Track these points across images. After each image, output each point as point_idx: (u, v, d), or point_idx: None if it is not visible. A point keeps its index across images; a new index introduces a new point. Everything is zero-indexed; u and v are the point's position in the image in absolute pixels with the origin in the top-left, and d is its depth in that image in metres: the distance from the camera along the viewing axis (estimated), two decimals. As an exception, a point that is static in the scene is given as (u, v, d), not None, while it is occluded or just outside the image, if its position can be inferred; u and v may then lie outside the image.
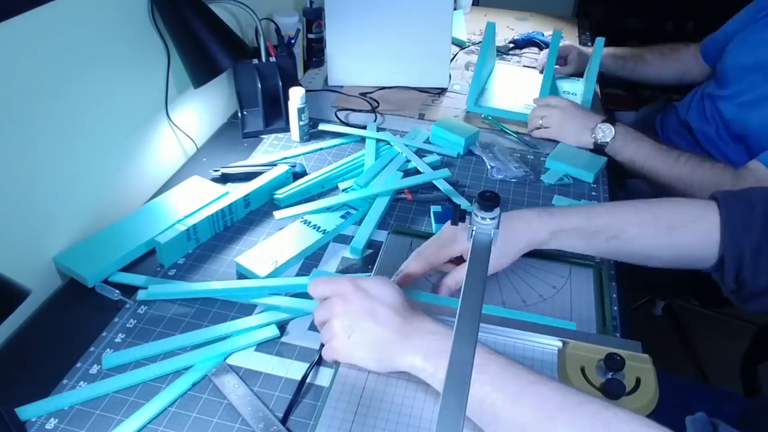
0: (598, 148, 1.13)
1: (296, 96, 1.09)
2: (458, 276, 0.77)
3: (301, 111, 1.10)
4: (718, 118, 1.25)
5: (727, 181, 1.02)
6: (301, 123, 1.12)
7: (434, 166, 1.08)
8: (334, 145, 1.14)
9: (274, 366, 0.72)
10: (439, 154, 1.12)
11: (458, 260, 0.79)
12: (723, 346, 1.75)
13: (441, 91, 1.35)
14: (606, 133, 1.11)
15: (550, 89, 1.29)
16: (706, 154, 1.17)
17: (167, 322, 0.77)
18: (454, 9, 1.59)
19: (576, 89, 1.38)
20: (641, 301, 1.81)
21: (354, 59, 1.31)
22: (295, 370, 0.71)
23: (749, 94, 1.18)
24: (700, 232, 0.71)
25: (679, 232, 0.72)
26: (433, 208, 0.96)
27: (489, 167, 1.09)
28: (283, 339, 0.75)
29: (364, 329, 0.64)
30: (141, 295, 0.78)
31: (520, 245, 0.76)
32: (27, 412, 0.65)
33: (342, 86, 1.34)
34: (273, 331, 0.73)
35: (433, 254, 0.77)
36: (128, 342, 0.74)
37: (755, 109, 1.16)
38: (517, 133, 1.21)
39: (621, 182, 1.40)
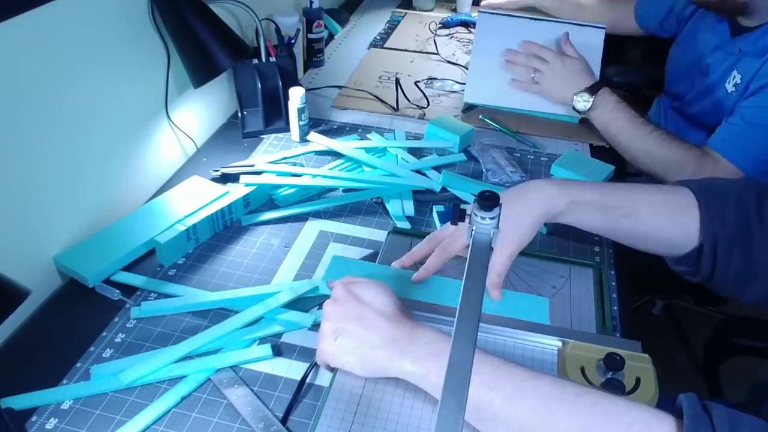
0: (578, 113, 1.17)
1: (296, 96, 1.09)
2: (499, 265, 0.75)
3: (301, 111, 1.10)
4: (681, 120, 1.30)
5: (690, 162, 1.06)
6: (301, 123, 1.12)
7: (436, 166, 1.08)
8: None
9: (274, 366, 0.72)
10: (438, 154, 1.12)
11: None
12: (723, 345, 1.75)
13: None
14: (584, 103, 1.14)
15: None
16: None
17: (167, 321, 0.77)
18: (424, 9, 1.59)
19: None
20: (641, 301, 1.80)
21: (492, 81, 1.24)
22: (295, 370, 0.71)
23: (694, 91, 1.24)
24: (695, 217, 0.72)
25: (682, 215, 0.72)
26: (436, 208, 0.96)
27: (484, 170, 1.09)
28: (284, 339, 0.75)
29: (351, 333, 0.63)
30: (134, 312, 0.76)
31: (537, 215, 0.74)
32: (18, 402, 0.65)
33: (476, 105, 1.28)
34: (266, 351, 0.73)
35: (448, 242, 0.78)
36: (128, 342, 0.74)
37: (698, 102, 1.22)
38: (517, 132, 1.21)
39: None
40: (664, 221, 0.74)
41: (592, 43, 1.21)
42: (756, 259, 0.69)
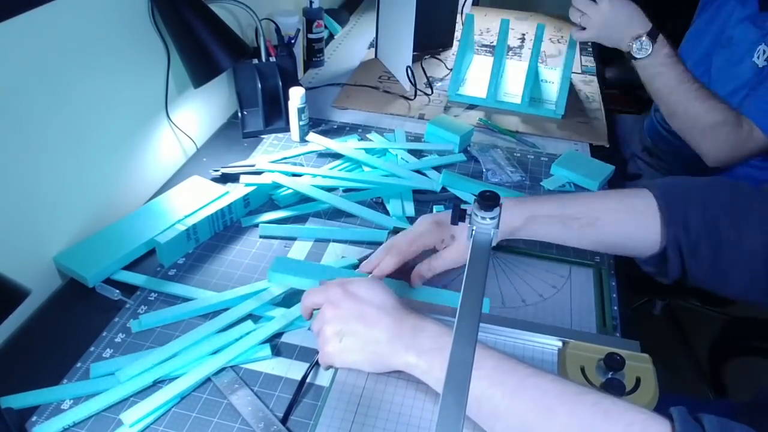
0: (628, 57, 1.11)
1: (296, 96, 1.09)
2: (433, 264, 0.78)
3: (301, 111, 1.10)
4: None
5: (726, 129, 1.06)
6: (301, 123, 1.12)
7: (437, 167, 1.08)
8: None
9: (274, 366, 0.72)
10: (439, 154, 1.12)
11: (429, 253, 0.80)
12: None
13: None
14: (644, 50, 1.08)
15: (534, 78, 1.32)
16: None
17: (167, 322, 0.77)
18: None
19: (554, 78, 1.39)
20: (641, 301, 1.80)
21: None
22: (295, 370, 0.71)
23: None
24: (657, 221, 0.72)
25: (643, 220, 0.73)
26: (436, 208, 0.96)
27: (484, 170, 1.09)
28: (283, 339, 0.75)
29: (355, 332, 0.64)
30: (134, 326, 0.75)
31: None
32: (17, 401, 0.65)
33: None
34: (266, 352, 0.72)
35: (406, 247, 0.78)
36: (128, 342, 0.74)
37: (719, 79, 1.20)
38: (516, 132, 1.21)
39: (621, 185, 1.40)
40: (626, 227, 0.74)
41: None
42: (727, 258, 0.69)
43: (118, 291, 0.79)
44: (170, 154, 1.08)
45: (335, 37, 1.62)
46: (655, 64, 1.08)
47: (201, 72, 0.98)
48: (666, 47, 1.08)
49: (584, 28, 1.13)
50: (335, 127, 1.21)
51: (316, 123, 1.21)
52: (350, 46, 1.57)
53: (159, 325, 0.76)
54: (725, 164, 1.11)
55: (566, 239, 0.78)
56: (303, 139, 1.14)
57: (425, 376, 0.61)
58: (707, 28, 1.28)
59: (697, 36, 1.30)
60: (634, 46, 1.08)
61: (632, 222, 0.74)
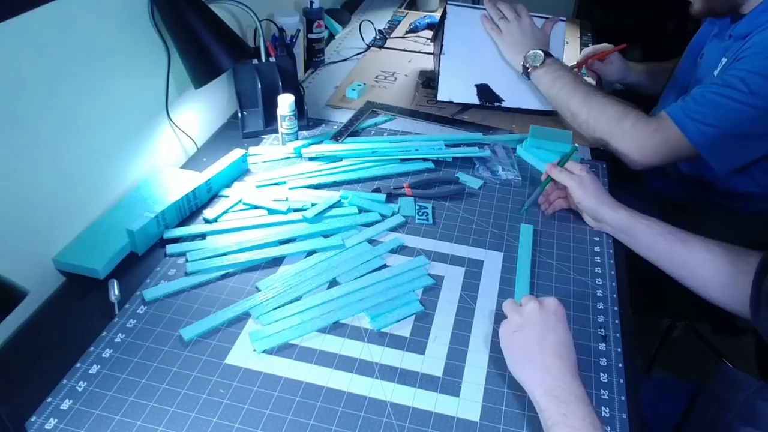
0: (525, 72, 1.20)
1: (284, 103, 1.07)
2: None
3: (284, 118, 1.08)
4: None
5: (630, 115, 1.06)
6: (283, 131, 1.10)
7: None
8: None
9: (274, 366, 0.72)
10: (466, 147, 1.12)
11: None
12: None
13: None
14: (538, 58, 1.18)
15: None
16: None
17: (167, 321, 0.77)
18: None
19: None
20: (667, 324, 1.72)
21: (465, 78, 1.27)
22: (295, 369, 0.72)
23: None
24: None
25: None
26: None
27: (475, 164, 1.09)
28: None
29: (528, 337, 0.69)
30: (147, 295, 0.78)
31: None
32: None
33: (450, 101, 1.28)
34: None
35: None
36: (128, 342, 0.74)
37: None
38: (513, 128, 1.21)
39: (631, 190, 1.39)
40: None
41: (554, 35, 1.26)
42: None
43: (117, 292, 0.79)
44: (171, 154, 1.08)
45: (335, 37, 1.62)
46: (551, 70, 1.17)
47: (202, 72, 0.98)
48: (555, 61, 1.18)
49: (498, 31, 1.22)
50: (335, 127, 1.21)
51: (316, 123, 1.21)
52: (350, 46, 1.56)
53: (168, 292, 0.80)
54: (646, 162, 1.06)
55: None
56: (292, 146, 1.10)
57: (540, 412, 0.64)
58: (694, 42, 1.27)
59: (688, 53, 1.29)
60: (528, 56, 1.18)
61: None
